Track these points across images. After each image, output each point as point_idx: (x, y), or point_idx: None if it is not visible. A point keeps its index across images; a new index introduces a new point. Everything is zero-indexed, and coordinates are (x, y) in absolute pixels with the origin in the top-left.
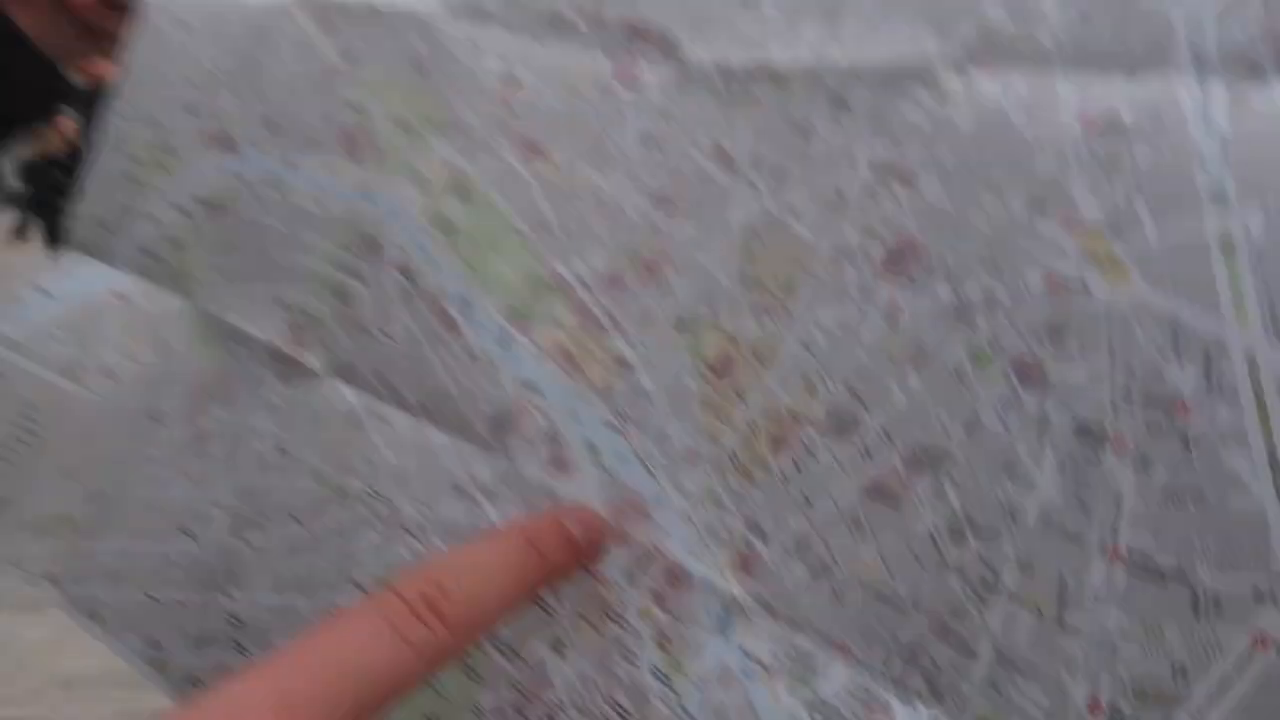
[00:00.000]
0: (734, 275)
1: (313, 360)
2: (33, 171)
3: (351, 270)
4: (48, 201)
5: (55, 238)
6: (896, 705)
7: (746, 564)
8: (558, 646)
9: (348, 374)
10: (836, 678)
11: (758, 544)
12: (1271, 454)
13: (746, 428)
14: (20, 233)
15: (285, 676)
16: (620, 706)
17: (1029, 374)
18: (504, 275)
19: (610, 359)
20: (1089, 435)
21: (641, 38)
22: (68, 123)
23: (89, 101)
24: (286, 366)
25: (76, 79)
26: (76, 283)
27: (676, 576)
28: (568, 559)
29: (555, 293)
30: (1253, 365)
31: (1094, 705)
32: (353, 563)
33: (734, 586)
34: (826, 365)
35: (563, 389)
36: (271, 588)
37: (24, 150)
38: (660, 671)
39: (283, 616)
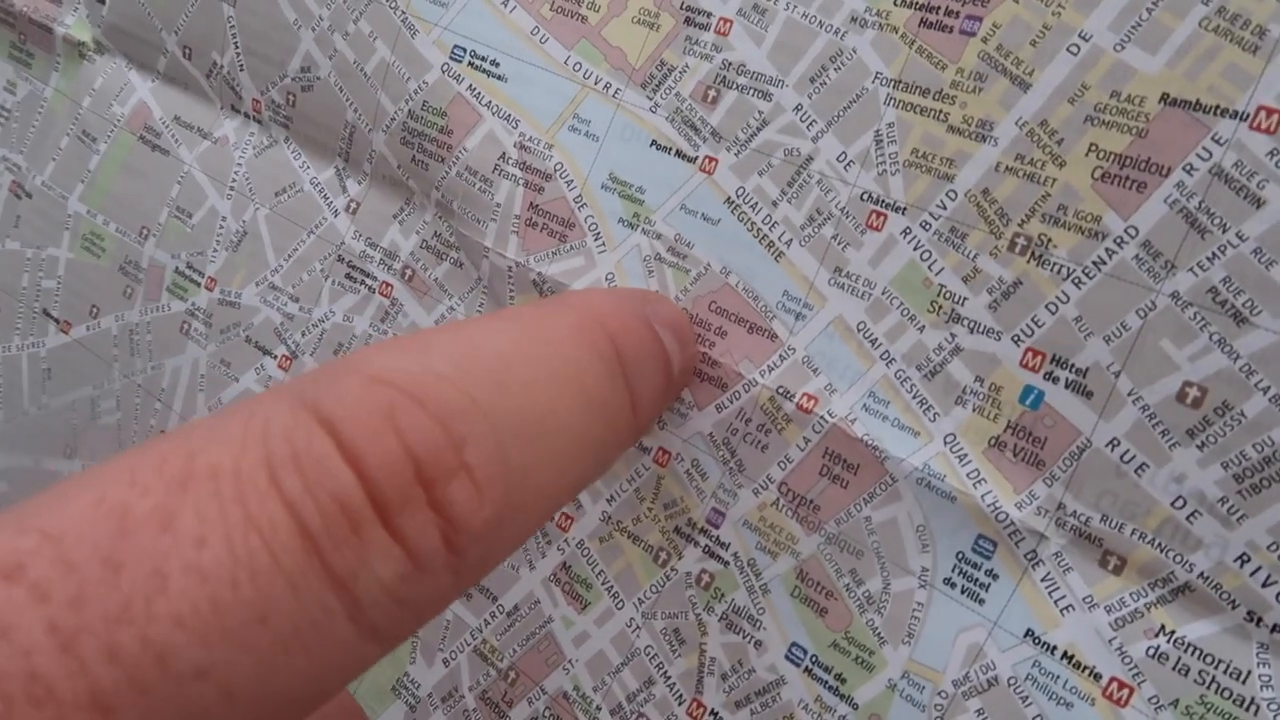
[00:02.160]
0: None
1: None
2: None
3: None
4: None
5: None
6: None
7: (1033, 441)
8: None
9: None
10: None
11: (1060, 393)
12: None
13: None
14: None
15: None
16: None
17: None
18: None
19: None
20: None
21: None
22: None
23: None
24: None
25: None
26: None
27: (853, 466)
28: (657, 403)
29: None
30: None
31: None
32: None
33: (1005, 495)
34: None
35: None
36: None
37: None
38: (810, 657)
39: None
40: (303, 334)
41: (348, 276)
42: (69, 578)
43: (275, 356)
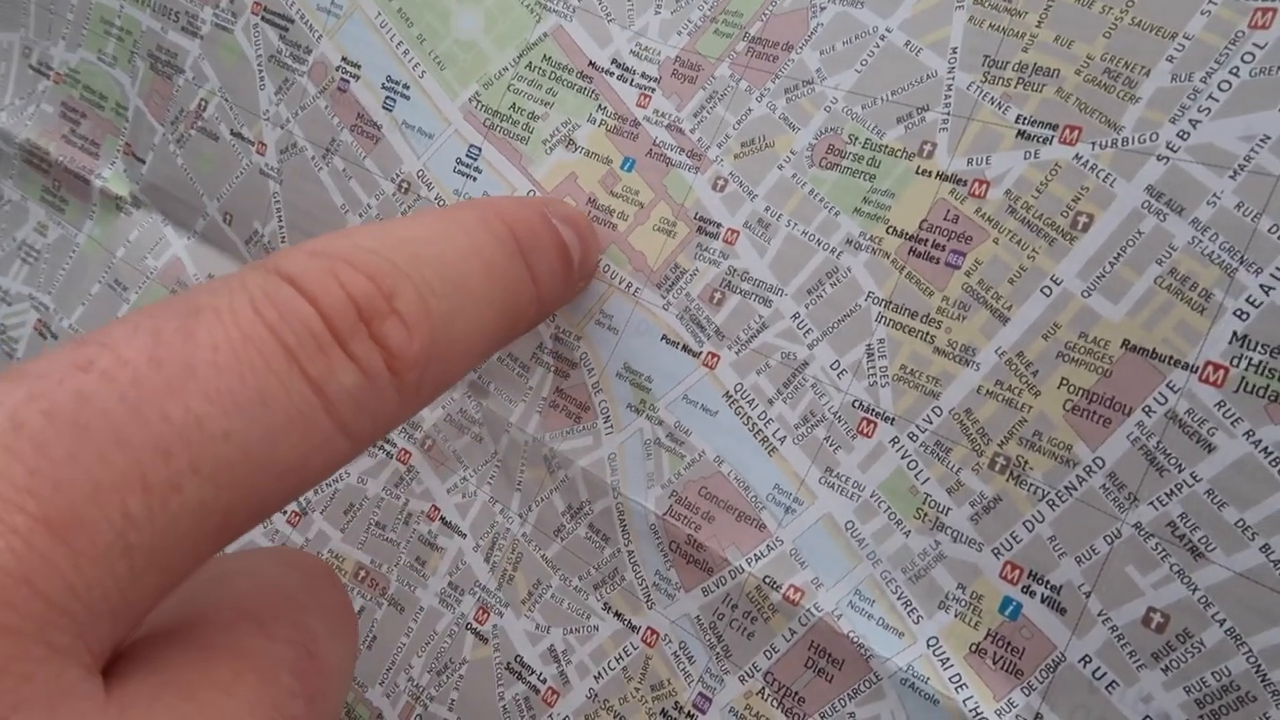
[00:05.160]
0: None
1: None
2: None
3: None
4: None
5: None
6: None
7: (1011, 650)
8: None
9: None
10: None
11: (1037, 607)
12: None
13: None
14: None
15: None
16: None
17: None
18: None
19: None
20: None
21: None
22: None
23: None
24: None
25: None
26: None
27: (838, 661)
28: (560, 282)
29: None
30: None
31: None
32: None
33: (986, 701)
34: None
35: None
36: None
37: None
38: None
39: None
40: (315, 492)
41: None
42: (126, 368)
43: (285, 511)
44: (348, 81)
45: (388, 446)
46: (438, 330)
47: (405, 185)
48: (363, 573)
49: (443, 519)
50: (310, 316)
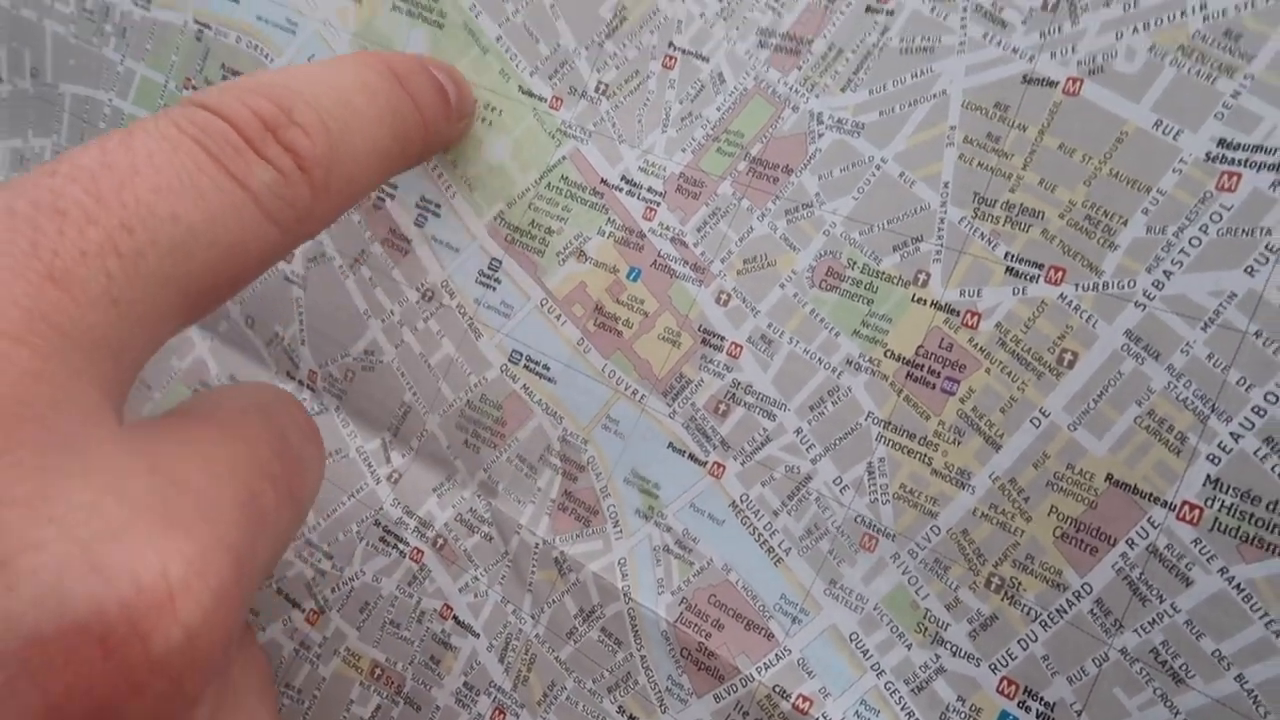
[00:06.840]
0: None
1: None
2: None
3: None
4: None
5: None
6: None
7: None
8: None
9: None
10: None
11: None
12: None
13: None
14: None
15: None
16: None
17: None
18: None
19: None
20: None
21: None
22: None
23: None
24: None
25: None
26: None
27: None
28: (441, 112)
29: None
30: None
31: None
32: None
33: None
34: None
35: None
36: None
37: None
38: None
39: None
40: (332, 590)
41: (382, 540)
42: (84, 171)
43: (304, 610)
44: (383, 200)
45: (401, 545)
46: (334, 139)
47: (429, 294)
48: (378, 670)
49: (455, 618)
50: (225, 129)
